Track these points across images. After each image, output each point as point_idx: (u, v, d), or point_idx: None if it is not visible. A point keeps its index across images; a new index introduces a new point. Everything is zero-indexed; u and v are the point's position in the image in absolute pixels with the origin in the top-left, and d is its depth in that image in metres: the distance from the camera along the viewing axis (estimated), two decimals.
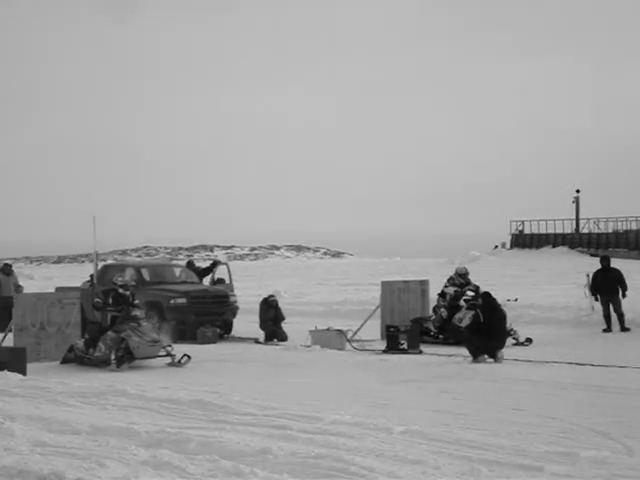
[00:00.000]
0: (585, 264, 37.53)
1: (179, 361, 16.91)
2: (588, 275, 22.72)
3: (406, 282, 23.17)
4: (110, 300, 17.37)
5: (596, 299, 21.98)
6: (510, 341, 18.81)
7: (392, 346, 18.93)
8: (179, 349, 17.41)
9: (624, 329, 21.21)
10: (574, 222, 63.06)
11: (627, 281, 21.97)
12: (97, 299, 17.97)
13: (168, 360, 16.99)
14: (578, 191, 63.21)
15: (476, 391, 13.30)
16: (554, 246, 61.15)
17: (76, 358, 17.32)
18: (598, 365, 15.84)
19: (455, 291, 21.07)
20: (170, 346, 17.23)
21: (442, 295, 21.40)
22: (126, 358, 16.64)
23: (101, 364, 16.71)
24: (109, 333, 16.98)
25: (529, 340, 19.73)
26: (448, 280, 21.71)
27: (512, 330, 19.35)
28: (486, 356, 16.81)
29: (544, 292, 30.49)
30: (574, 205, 63.02)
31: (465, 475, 8.09)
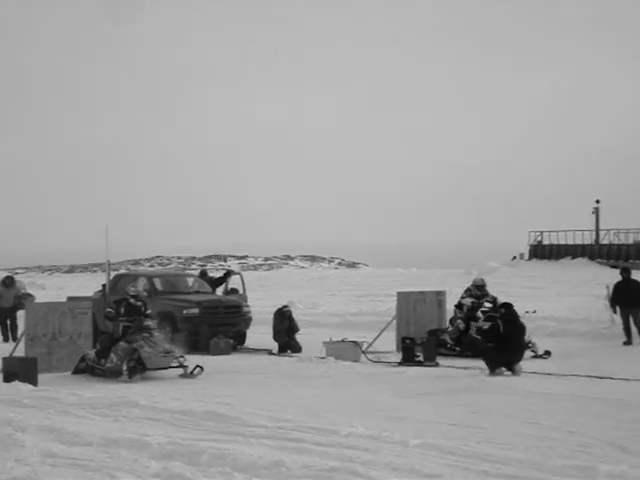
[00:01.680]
0: (605, 275, 37.27)
1: (191, 372, 16.80)
2: (608, 287, 22.49)
3: (422, 293, 23.01)
4: (122, 310, 17.29)
5: (615, 311, 21.75)
6: (528, 354, 18.61)
7: (408, 358, 18.77)
8: (192, 360, 17.30)
9: None
10: (594, 233, 62.73)
11: None
12: (109, 309, 17.91)
13: (180, 371, 16.88)
14: (598, 202, 62.93)
15: (493, 404, 13.13)
16: (573, 257, 60.82)
17: (87, 368, 17.24)
18: (617, 378, 15.64)
19: (472, 302, 20.89)
20: (182, 357, 17.12)
21: (459, 307, 21.21)
22: (138, 369, 16.54)
23: (113, 375, 16.62)
24: (121, 343, 16.89)
25: (548, 353, 19.52)
26: (465, 291, 21.53)
27: (530, 342, 19.14)
28: (504, 369, 16.62)
29: (563, 304, 30.27)
30: (594, 216, 62.72)
31: None
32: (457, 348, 20.52)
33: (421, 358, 18.73)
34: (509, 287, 38.11)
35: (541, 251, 64.42)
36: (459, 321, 20.85)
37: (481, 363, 17.11)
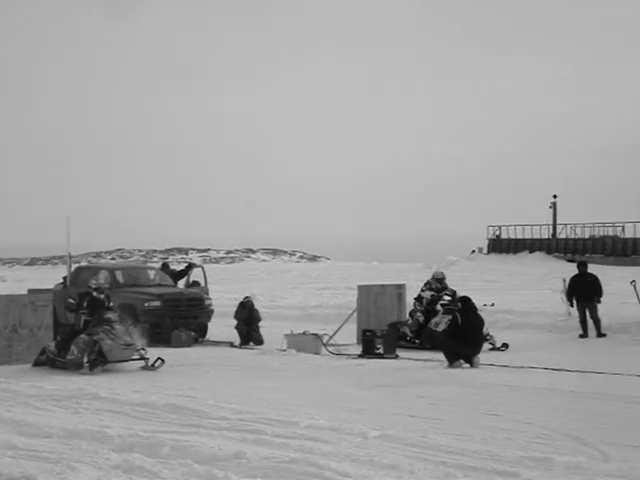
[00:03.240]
0: (562, 269, 37.64)
1: (153, 365, 16.77)
2: (565, 280, 22.77)
3: (383, 286, 23.14)
4: (85, 304, 17.20)
5: (572, 305, 22.02)
6: (486, 346, 18.81)
7: (368, 351, 18.87)
8: (153, 352, 17.26)
9: (600, 335, 21.24)
10: (551, 227, 63.36)
11: (603, 287, 22.03)
12: (70, 300, 17.79)
13: (142, 364, 16.84)
14: (555, 196, 63.57)
15: (452, 396, 13.25)
16: (531, 251, 61.38)
17: (48, 361, 17.13)
18: (574, 370, 15.84)
19: (432, 295, 21.05)
20: (144, 349, 17.08)
21: (419, 299, 21.36)
22: (99, 361, 16.48)
23: (74, 367, 16.54)
24: (82, 336, 16.81)
25: (505, 345, 19.73)
26: (425, 284, 21.69)
27: (489, 335, 19.35)
28: (462, 361, 16.78)
29: (521, 297, 30.58)
30: (551, 210, 63.32)
31: None
32: (417, 341, 20.67)
33: (381, 350, 18.83)
34: (468, 280, 38.39)
35: (499, 245, 64.89)
36: (419, 314, 21.00)
37: (440, 355, 17.25)
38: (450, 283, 22.13)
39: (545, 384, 14.29)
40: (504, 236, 65.47)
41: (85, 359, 16.49)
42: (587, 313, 21.55)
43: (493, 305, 25.25)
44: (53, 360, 17.07)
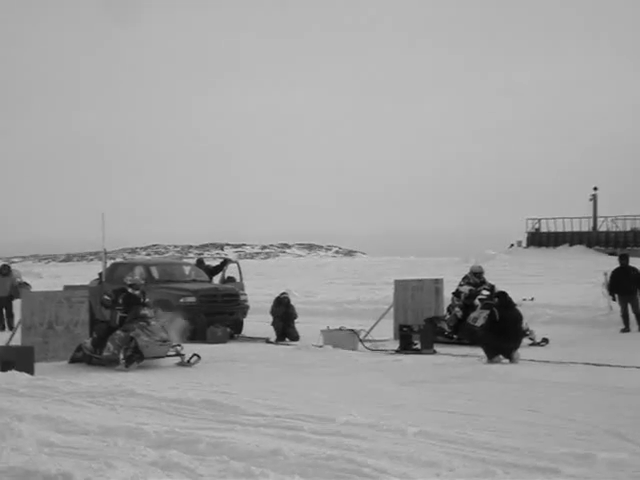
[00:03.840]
0: (603, 263, 37.25)
1: (188, 361, 16.77)
2: (606, 274, 22.48)
3: (420, 281, 22.99)
4: (120, 300, 17.22)
5: (614, 298, 21.74)
6: (526, 341, 18.60)
7: (405, 346, 18.75)
8: (189, 349, 17.26)
9: None
10: (592, 220, 62.75)
11: None
12: (106, 296, 17.82)
13: (177, 360, 16.84)
14: (596, 189, 62.91)
15: (491, 392, 13.11)
16: (571, 245, 60.85)
17: (84, 358, 17.19)
18: (616, 366, 15.63)
19: (470, 290, 20.86)
20: (180, 346, 17.08)
21: (456, 294, 21.19)
22: (135, 357, 16.50)
23: (109, 364, 16.58)
24: (118, 332, 16.84)
25: (545, 340, 19.51)
26: (463, 279, 21.51)
27: (528, 330, 19.13)
28: (501, 357, 16.60)
29: (561, 291, 30.28)
30: (592, 203, 62.73)
31: (479, 477, 7.95)
32: (455, 336, 20.51)
33: (418, 346, 18.71)
34: (507, 275, 38.11)
35: (539, 238, 64.40)
36: (457, 309, 20.82)
37: (479, 351, 17.10)
38: (488, 277, 21.93)
39: (586, 380, 14.10)
40: (543, 229, 64.95)
41: (121, 355, 16.52)
42: (629, 307, 21.28)
43: (533, 300, 25.02)
44: (89, 357, 17.13)
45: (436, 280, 22.89)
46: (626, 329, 21.12)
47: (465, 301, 20.79)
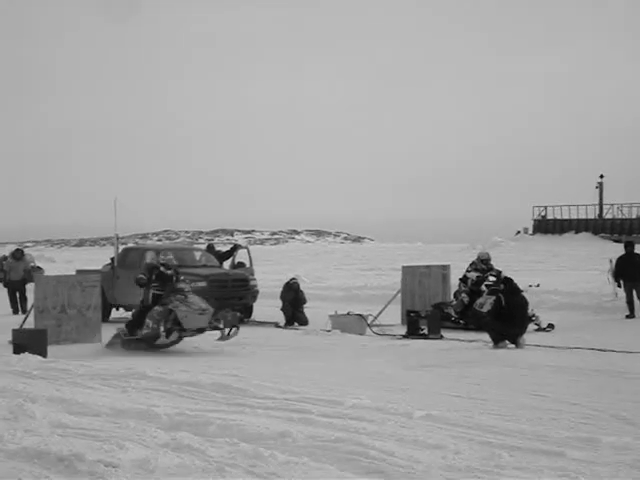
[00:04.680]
0: (608, 250, 37.30)
1: (228, 334, 16.72)
2: (611, 261, 22.57)
3: (427, 267, 23.10)
4: (154, 277, 16.96)
5: (619, 285, 21.83)
6: (532, 327, 18.72)
7: (413, 331, 18.88)
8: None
9: None
10: (597, 208, 62.69)
11: None
12: (141, 275, 17.34)
13: (218, 335, 16.71)
14: (602, 176, 62.83)
15: (497, 377, 13.23)
16: (577, 232, 60.83)
17: (124, 344, 16.92)
18: (620, 351, 15.72)
19: (477, 276, 20.97)
20: (218, 320, 16.82)
21: (463, 280, 21.30)
22: (175, 329, 16.34)
23: (151, 340, 16.45)
24: (156, 308, 16.57)
25: (551, 326, 19.62)
26: (470, 265, 21.61)
27: (534, 316, 19.24)
28: (507, 342, 16.72)
29: (567, 278, 30.33)
30: (598, 190, 62.63)
31: (486, 460, 8.03)
32: (461, 321, 20.64)
33: (426, 331, 18.83)
34: (513, 261, 38.15)
35: (545, 226, 64.37)
36: (464, 295, 20.94)
37: (485, 336, 17.21)
38: (495, 264, 22.03)
39: (591, 365, 14.21)
40: (550, 217, 64.92)
41: (162, 328, 16.31)
42: (634, 294, 21.36)
43: (539, 286, 25.10)
44: (127, 341, 16.89)
45: (443, 266, 22.99)
46: (631, 315, 21.21)
47: (472, 287, 20.89)
